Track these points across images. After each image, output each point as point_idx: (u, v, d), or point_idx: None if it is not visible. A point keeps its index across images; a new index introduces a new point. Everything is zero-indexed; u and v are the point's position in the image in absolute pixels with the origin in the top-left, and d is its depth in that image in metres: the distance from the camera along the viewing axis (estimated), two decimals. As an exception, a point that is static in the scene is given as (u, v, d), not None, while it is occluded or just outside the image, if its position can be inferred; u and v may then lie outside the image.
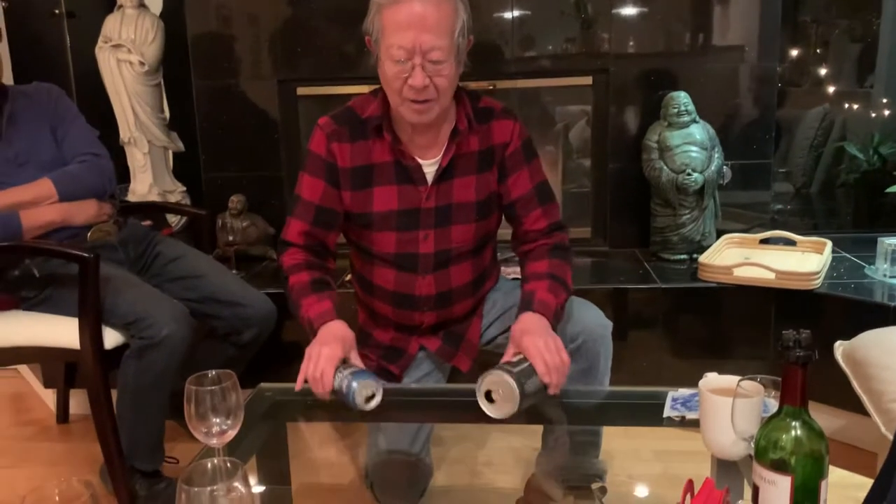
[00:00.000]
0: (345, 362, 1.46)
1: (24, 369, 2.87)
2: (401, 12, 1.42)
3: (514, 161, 1.62)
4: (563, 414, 1.61)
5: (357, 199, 1.59)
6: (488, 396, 1.38)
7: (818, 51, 3.08)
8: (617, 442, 1.72)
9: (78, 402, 2.55)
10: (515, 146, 1.61)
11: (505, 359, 1.46)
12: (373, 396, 1.42)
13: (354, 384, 1.40)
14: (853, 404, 1.71)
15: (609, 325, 1.66)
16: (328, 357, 1.43)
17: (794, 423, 0.93)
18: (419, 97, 1.45)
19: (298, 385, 1.45)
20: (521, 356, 1.44)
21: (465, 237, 1.63)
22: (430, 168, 1.58)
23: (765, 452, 0.94)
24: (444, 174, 1.58)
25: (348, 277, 2.48)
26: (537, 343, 1.42)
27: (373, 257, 1.65)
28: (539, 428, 1.70)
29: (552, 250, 1.63)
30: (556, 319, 1.54)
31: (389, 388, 1.58)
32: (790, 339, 0.91)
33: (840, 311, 2.19)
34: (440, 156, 1.57)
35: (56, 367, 2.50)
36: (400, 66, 1.43)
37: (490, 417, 1.38)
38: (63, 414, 2.56)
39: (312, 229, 1.60)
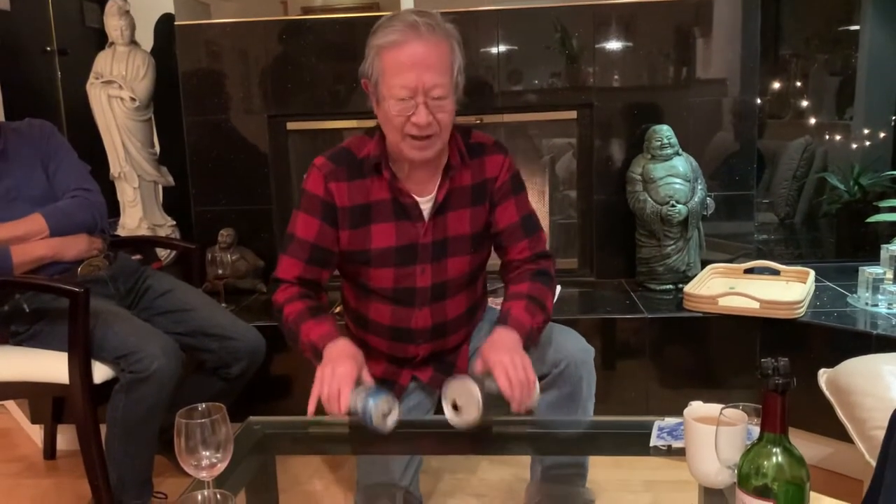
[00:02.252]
0: (358, 382, 1.43)
1: (10, 405, 2.85)
2: (402, 53, 1.45)
3: (502, 193, 1.65)
4: (550, 445, 1.62)
5: (355, 237, 1.60)
6: (455, 405, 1.38)
7: (798, 84, 3.14)
8: (606, 472, 1.73)
9: (65, 437, 2.54)
10: (504, 179, 1.65)
11: (470, 372, 1.46)
12: (389, 412, 1.40)
13: (371, 403, 1.37)
14: (838, 432, 1.72)
15: (591, 350, 1.68)
16: (343, 375, 1.40)
17: (774, 450, 0.95)
18: (422, 133, 1.48)
19: (311, 407, 1.41)
20: (488, 371, 1.43)
21: (461, 269, 1.66)
22: (426, 204, 1.61)
23: (747, 479, 0.96)
24: (439, 209, 1.61)
25: (337, 310, 2.50)
26: (503, 359, 1.42)
27: (369, 293, 1.67)
28: (527, 459, 1.71)
29: (535, 275, 1.65)
30: (531, 340, 1.55)
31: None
32: (769, 367, 0.93)
33: (823, 339, 2.21)
34: (435, 191, 1.60)
35: (44, 402, 2.48)
36: (403, 105, 1.46)
37: (471, 429, 1.37)
38: (50, 450, 2.53)
39: (307, 267, 1.61)
